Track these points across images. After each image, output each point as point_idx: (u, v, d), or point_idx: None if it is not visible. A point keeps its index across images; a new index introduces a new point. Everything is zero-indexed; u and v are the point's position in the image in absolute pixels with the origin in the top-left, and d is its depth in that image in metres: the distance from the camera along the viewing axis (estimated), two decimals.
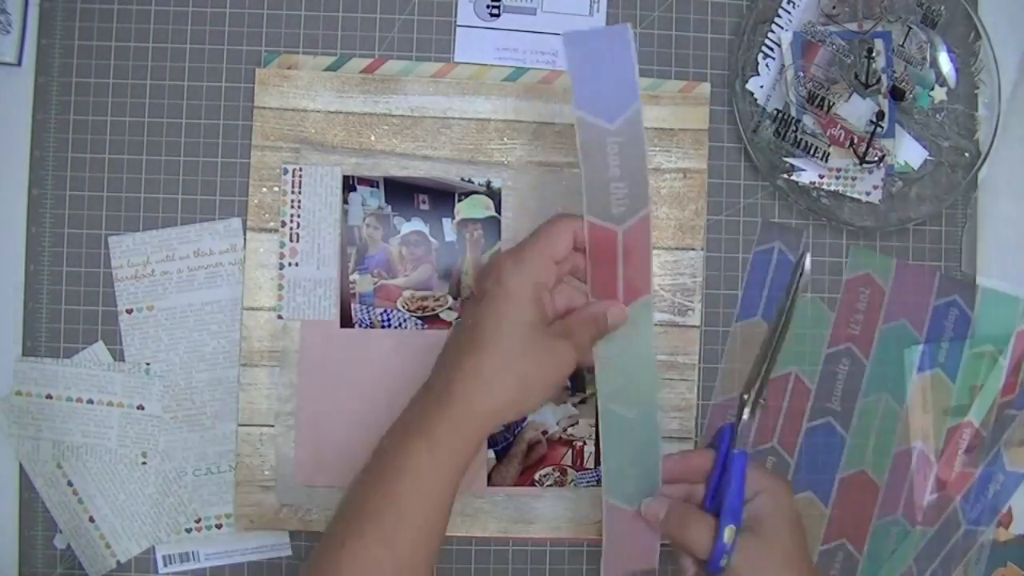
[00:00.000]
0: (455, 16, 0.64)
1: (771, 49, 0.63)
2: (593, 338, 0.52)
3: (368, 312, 0.62)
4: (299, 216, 0.62)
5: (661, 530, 0.55)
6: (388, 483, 0.47)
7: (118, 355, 0.62)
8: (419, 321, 0.62)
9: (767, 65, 0.63)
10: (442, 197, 0.62)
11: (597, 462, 0.63)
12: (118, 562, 0.61)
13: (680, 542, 0.53)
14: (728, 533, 0.51)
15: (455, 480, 0.48)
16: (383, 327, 0.62)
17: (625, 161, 0.50)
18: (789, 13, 0.63)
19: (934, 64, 0.63)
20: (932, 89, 0.63)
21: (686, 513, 0.53)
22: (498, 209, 0.63)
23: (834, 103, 0.62)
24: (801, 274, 0.57)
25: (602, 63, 0.50)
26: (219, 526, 0.62)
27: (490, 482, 0.62)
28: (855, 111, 0.62)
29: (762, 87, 0.63)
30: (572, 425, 0.63)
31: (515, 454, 0.62)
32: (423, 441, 0.47)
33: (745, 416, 0.55)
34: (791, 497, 0.53)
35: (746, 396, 0.56)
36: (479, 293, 0.52)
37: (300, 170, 0.62)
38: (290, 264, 0.62)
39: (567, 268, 0.52)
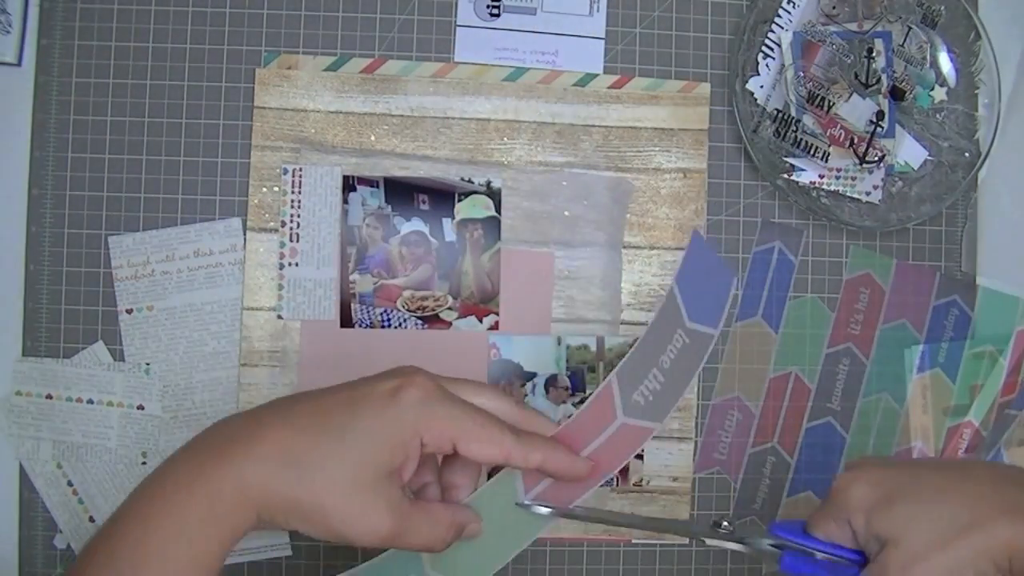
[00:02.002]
0: (455, 16, 0.64)
1: (771, 49, 0.63)
2: (441, 539, 0.41)
3: (368, 312, 0.62)
4: (299, 216, 0.62)
5: None
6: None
7: (118, 355, 0.62)
8: (419, 321, 0.62)
9: (767, 65, 0.63)
10: (442, 197, 0.62)
11: None
12: None
13: None
14: None
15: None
16: (383, 327, 0.62)
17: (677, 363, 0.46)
18: (789, 13, 0.63)
19: (934, 64, 0.63)
20: (932, 89, 0.63)
21: None
22: (498, 209, 0.63)
23: (834, 103, 0.62)
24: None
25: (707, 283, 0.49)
26: None
27: None
28: (855, 111, 0.62)
29: (762, 87, 0.63)
30: None
31: None
32: (178, 531, 0.36)
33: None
34: (883, 474, 0.42)
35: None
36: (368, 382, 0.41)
37: (300, 170, 0.62)
38: (290, 264, 0.62)
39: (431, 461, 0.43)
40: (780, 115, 0.63)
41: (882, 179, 0.63)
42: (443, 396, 0.41)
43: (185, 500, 0.36)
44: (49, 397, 0.61)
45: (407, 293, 0.62)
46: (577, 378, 0.63)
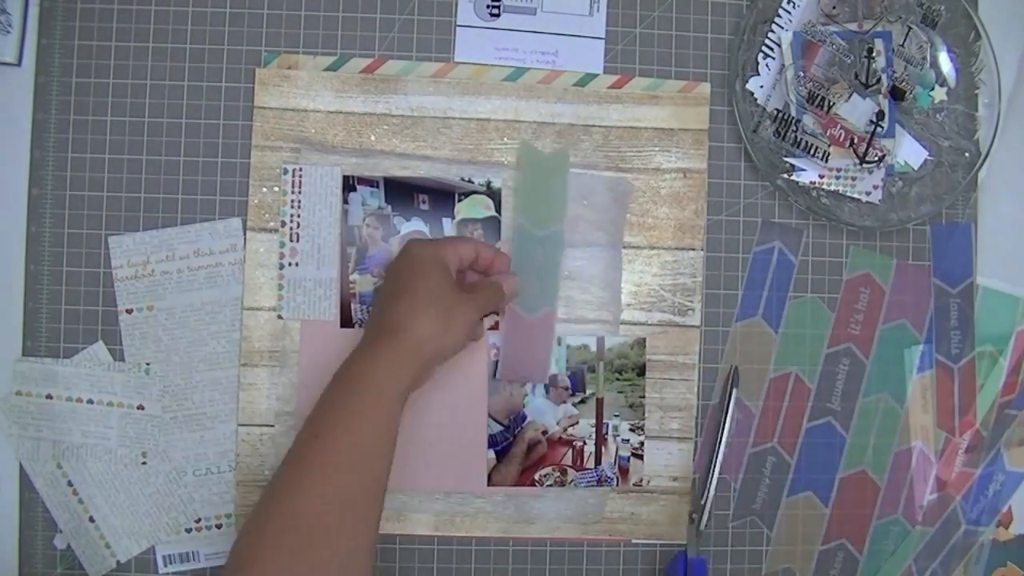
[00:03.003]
0: (455, 16, 0.64)
1: (771, 49, 0.63)
2: (493, 303, 0.59)
3: (368, 312, 0.62)
4: (299, 216, 0.62)
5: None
6: (350, 394, 0.52)
7: (118, 355, 0.62)
8: None
9: (767, 65, 0.63)
10: (442, 197, 0.62)
11: (597, 462, 0.63)
12: (118, 562, 0.61)
13: None
14: None
15: (403, 400, 0.53)
16: None
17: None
18: (789, 13, 0.63)
19: (934, 64, 0.63)
20: (932, 89, 0.63)
21: None
22: (498, 209, 0.63)
23: (834, 103, 0.62)
24: (731, 392, 0.63)
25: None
26: (219, 526, 0.62)
27: (490, 482, 0.62)
28: (855, 111, 0.62)
29: (762, 87, 0.63)
30: (572, 425, 0.63)
31: (515, 454, 0.62)
32: (373, 365, 0.52)
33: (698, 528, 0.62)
34: None
35: (694, 515, 0.62)
36: (391, 271, 0.58)
37: (300, 170, 0.62)
38: (290, 264, 0.62)
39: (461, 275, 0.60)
40: (780, 115, 0.63)
41: (882, 179, 0.63)
42: (448, 241, 0.59)
43: (383, 357, 0.52)
44: (49, 397, 0.61)
45: None
46: (577, 378, 0.63)
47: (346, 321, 0.62)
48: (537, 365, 0.62)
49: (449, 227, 0.62)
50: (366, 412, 0.51)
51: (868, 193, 0.63)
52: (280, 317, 0.62)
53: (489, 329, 0.62)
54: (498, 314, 0.62)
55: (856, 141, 0.62)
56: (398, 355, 0.52)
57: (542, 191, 0.62)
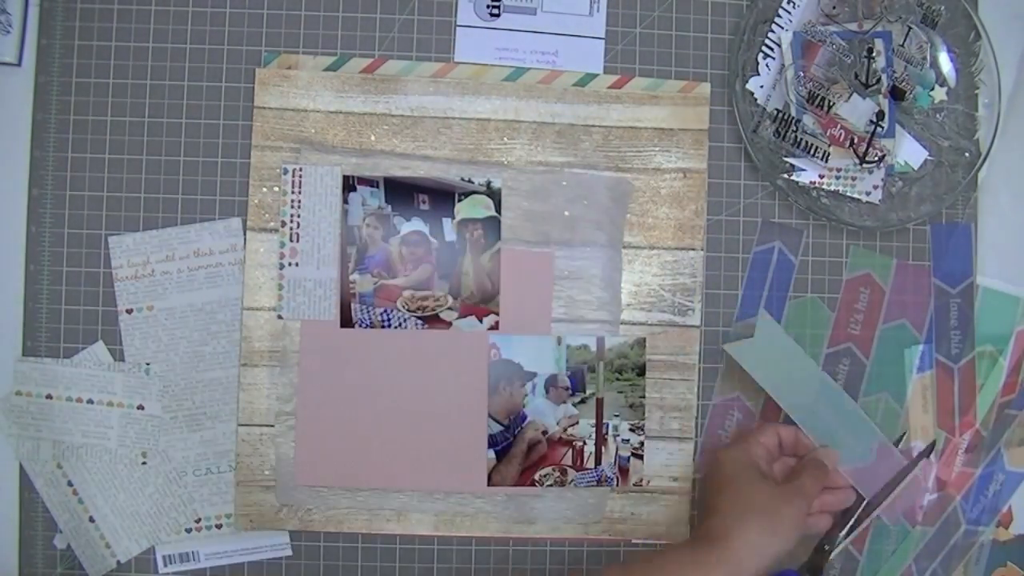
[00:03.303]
0: (455, 16, 0.64)
1: (771, 49, 0.63)
2: (819, 482, 0.57)
3: (368, 312, 0.62)
4: (299, 216, 0.62)
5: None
6: None
7: (118, 355, 0.62)
8: (419, 321, 0.62)
9: (767, 65, 0.63)
10: (442, 197, 0.62)
11: (597, 462, 0.63)
12: (118, 562, 0.61)
13: None
14: None
15: None
16: (383, 327, 0.62)
17: None
18: (789, 13, 0.63)
19: (934, 64, 0.63)
20: (932, 89, 0.63)
21: None
22: (498, 209, 0.63)
23: (834, 103, 0.62)
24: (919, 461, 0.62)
25: None
26: (219, 526, 0.62)
27: (490, 482, 0.62)
28: (855, 111, 0.62)
29: (762, 87, 0.63)
30: (572, 425, 0.63)
31: (515, 454, 0.62)
32: (693, 569, 0.51)
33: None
34: None
35: (827, 546, 0.60)
36: (709, 487, 0.58)
37: (300, 170, 0.62)
38: (290, 264, 0.62)
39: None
40: (780, 115, 0.63)
41: (882, 179, 0.63)
42: (750, 437, 0.60)
43: (703, 563, 0.51)
44: (49, 397, 0.61)
45: (407, 293, 0.62)
46: (577, 378, 0.63)
47: (346, 321, 0.62)
48: (904, 499, 0.63)
49: (449, 227, 0.62)
50: None
51: (868, 193, 0.63)
52: (280, 317, 0.62)
53: (489, 329, 0.62)
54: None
55: (856, 141, 0.62)
56: (722, 565, 0.50)
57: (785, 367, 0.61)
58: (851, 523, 0.60)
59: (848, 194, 0.63)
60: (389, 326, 0.62)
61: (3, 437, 0.61)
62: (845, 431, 0.60)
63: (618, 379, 0.63)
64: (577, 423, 0.63)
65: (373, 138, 0.62)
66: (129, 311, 0.62)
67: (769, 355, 0.61)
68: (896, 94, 0.63)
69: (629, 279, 0.63)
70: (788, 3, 0.63)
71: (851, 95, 0.62)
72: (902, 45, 0.63)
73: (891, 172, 0.63)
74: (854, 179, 0.63)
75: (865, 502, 0.60)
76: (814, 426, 0.60)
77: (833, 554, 0.60)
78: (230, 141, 0.62)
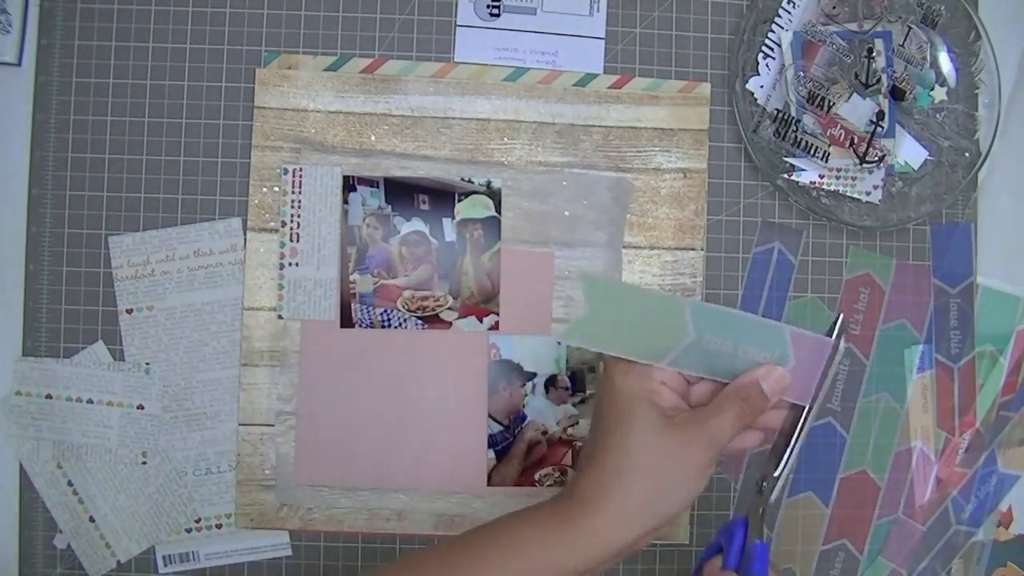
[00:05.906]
0: (455, 16, 0.64)
1: (771, 49, 0.63)
2: (741, 419, 0.45)
3: (368, 312, 0.62)
4: (299, 216, 0.62)
5: None
6: (501, 569, 0.42)
7: (118, 355, 0.62)
8: (419, 321, 0.62)
9: (767, 65, 0.63)
10: (442, 197, 0.62)
11: None
12: (118, 562, 0.61)
13: None
14: None
15: None
16: (383, 327, 0.62)
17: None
18: (789, 13, 0.63)
19: (934, 64, 0.63)
20: (932, 89, 0.63)
21: None
22: (498, 209, 0.63)
23: (834, 103, 0.62)
24: (835, 354, 0.50)
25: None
26: (219, 526, 0.62)
27: (490, 482, 0.62)
28: (855, 111, 0.62)
29: (762, 87, 0.63)
30: (572, 425, 0.63)
31: (515, 454, 0.62)
32: (541, 544, 0.42)
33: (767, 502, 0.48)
34: None
35: (764, 483, 0.48)
36: (595, 413, 0.48)
37: (300, 170, 0.62)
38: (290, 264, 0.62)
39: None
40: (780, 115, 0.63)
41: (882, 179, 0.63)
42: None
43: (552, 536, 0.43)
44: (49, 397, 0.61)
45: (407, 293, 0.62)
46: (577, 378, 0.63)
47: (346, 321, 0.62)
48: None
49: (449, 227, 0.62)
50: None
51: (868, 193, 0.63)
52: (280, 317, 0.62)
53: (489, 329, 0.62)
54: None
55: (856, 141, 0.62)
56: (579, 540, 0.41)
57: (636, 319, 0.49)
58: (789, 448, 0.48)
59: (848, 194, 0.63)
60: (389, 326, 0.62)
61: (3, 437, 0.61)
62: (747, 348, 0.48)
63: None
64: (577, 423, 0.63)
65: (373, 138, 0.62)
66: (129, 311, 0.62)
67: (616, 317, 0.48)
68: (896, 94, 0.63)
69: (629, 279, 0.63)
70: (788, 3, 0.63)
71: (851, 95, 0.62)
72: (902, 45, 0.63)
73: (891, 172, 0.63)
74: (854, 179, 0.63)
75: (804, 415, 0.49)
76: (709, 365, 0.49)
77: (774, 494, 0.48)
78: (230, 141, 0.62)
